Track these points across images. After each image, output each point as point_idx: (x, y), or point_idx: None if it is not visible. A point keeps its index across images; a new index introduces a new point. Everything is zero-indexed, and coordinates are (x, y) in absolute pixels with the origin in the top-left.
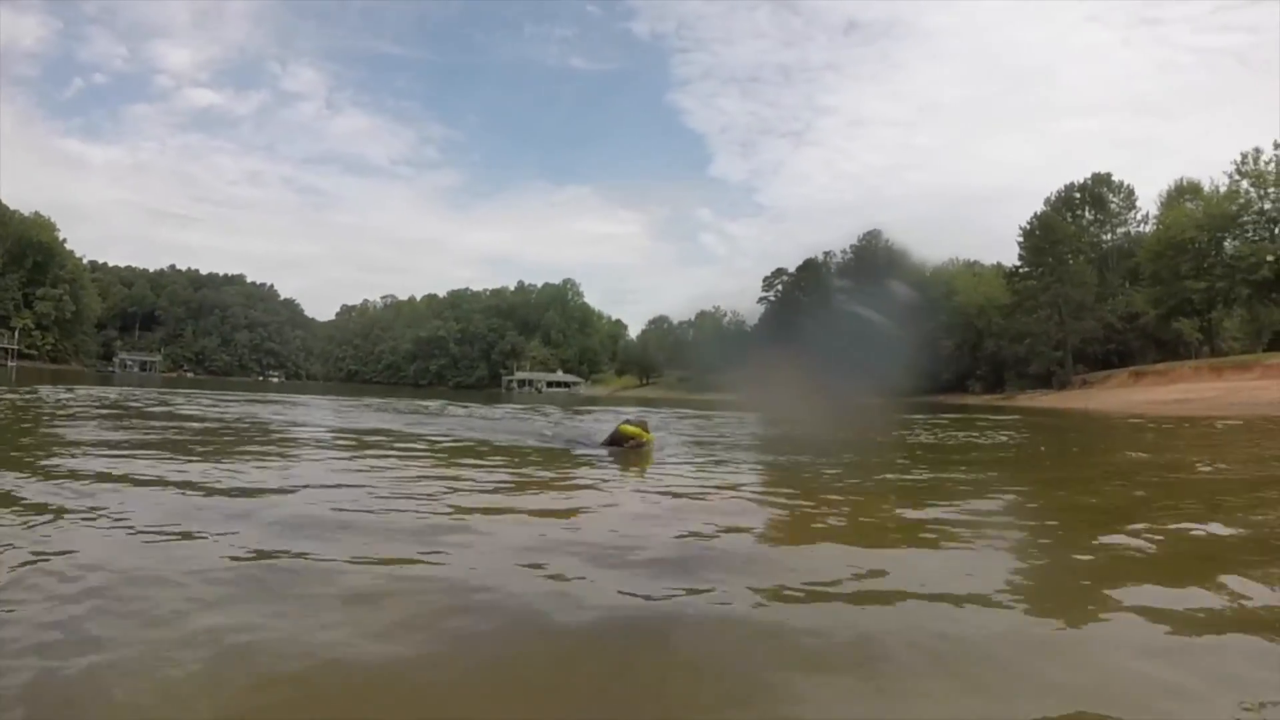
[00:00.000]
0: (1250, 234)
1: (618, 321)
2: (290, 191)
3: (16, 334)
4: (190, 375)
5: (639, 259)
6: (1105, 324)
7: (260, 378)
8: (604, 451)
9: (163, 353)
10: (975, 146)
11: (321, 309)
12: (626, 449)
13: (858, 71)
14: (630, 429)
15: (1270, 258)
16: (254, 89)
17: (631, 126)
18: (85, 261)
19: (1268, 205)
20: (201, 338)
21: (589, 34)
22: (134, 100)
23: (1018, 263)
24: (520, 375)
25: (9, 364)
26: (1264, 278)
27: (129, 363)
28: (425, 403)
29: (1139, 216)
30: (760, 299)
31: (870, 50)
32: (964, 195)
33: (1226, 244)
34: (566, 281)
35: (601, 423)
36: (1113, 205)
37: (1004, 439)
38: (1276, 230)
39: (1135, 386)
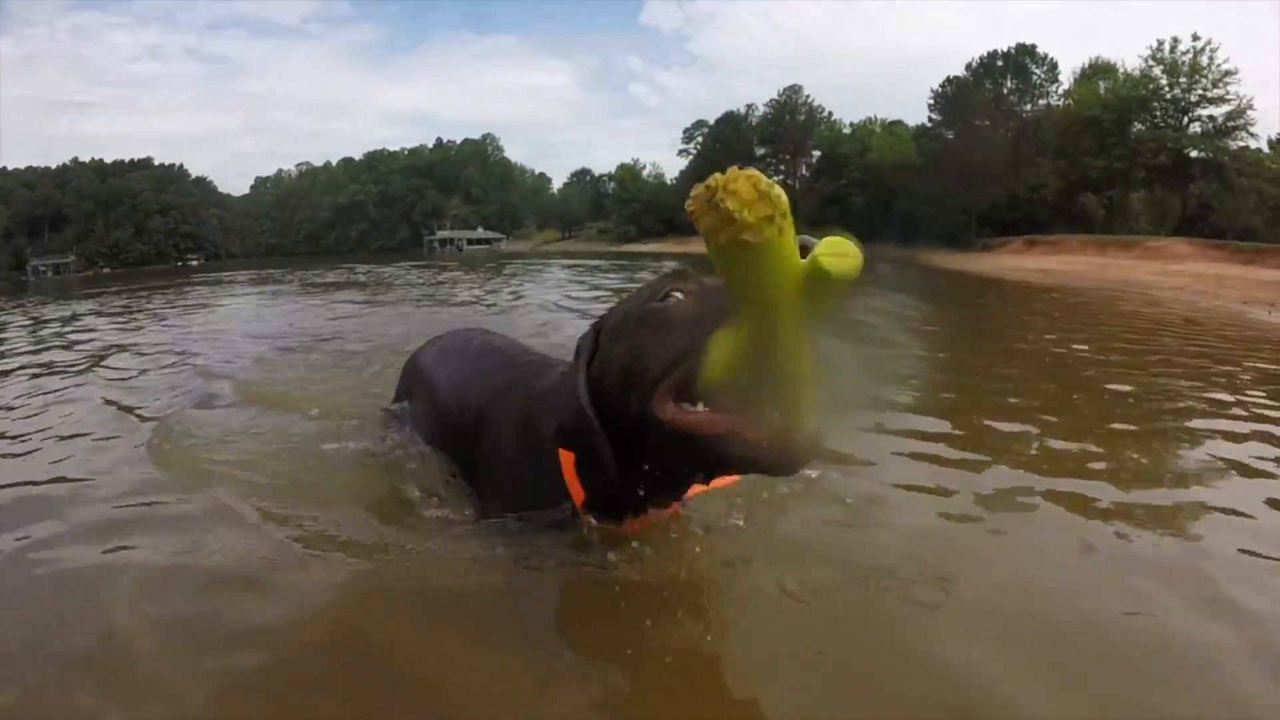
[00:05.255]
0: (1158, 119)
1: (542, 175)
2: (195, 62)
3: None
4: (107, 271)
5: (568, 111)
6: (1011, 192)
7: (179, 263)
8: None
9: (75, 251)
10: (920, 8)
11: (236, 185)
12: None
13: None
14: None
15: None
16: None
17: None
18: None
19: (1178, 93)
20: (114, 230)
21: None
22: None
23: (928, 124)
24: (441, 235)
25: None
26: (1162, 164)
27: (41, 268)
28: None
29: (1060, 90)
30: (680, 151)
31: None
32: (901, 56)
33: (1134, 127)
34: (486, 137)
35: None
36: (1035, 76)
37: None
38: (1184, 120)
39: (1026, 254)
